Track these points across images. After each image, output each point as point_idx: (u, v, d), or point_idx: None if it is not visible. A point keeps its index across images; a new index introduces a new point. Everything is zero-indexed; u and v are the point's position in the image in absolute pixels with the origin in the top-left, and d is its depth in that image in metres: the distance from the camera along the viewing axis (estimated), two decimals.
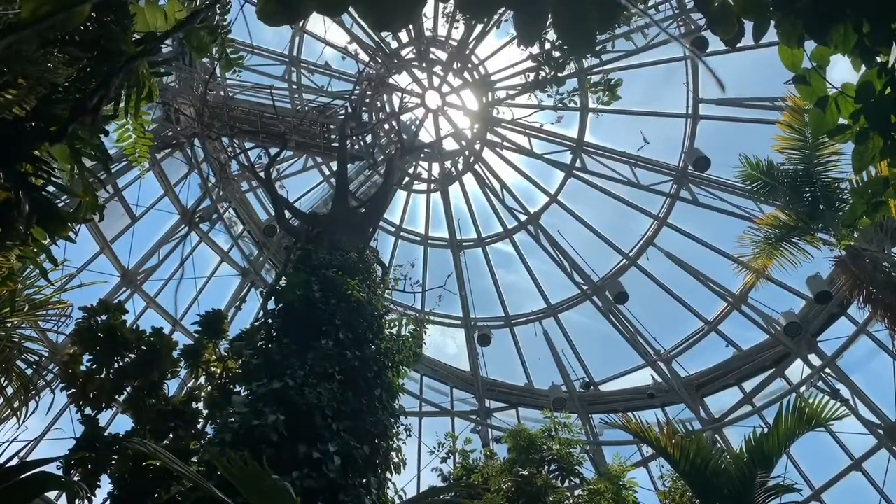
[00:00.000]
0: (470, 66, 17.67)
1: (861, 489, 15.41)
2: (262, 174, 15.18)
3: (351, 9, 2.25)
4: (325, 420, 7.66)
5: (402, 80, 18.75)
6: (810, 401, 9.34)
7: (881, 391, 15.56)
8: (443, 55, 17.74)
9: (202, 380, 9.89)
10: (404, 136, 17.95)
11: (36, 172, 3.10)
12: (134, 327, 9.59)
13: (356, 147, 17.90)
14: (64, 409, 13.43)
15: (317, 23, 17.93)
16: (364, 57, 17.56)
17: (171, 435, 8.79)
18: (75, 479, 7.92)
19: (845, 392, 15.56)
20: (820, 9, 3.00)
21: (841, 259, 12.49)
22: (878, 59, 3.16)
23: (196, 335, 10.18)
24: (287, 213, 13.95)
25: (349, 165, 16.62)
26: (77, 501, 6.74)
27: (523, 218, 19.47)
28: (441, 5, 16.33)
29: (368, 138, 18.44)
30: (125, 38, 3.37)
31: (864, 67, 3.20)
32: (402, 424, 9.69)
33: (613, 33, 11.18)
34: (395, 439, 9.04)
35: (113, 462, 8.20)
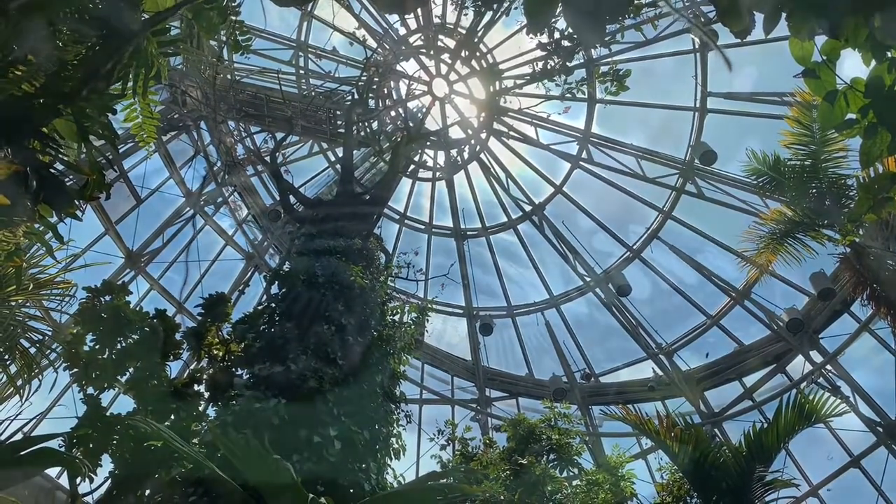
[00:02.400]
0: (478, 54, 17.60)
1: (859, 486, 15.44)
2: (267, 159, 15.18)
3: None
4: (326, 404, 7.70)
5: (409, 67, 18.70)
6: (810, 397, 9.34)
7: (882, 389, 15.58)
8: (451, 43, 17.66)
9: (204, 362, 9.92)
10: (410, 124, 17.92)
11: (43, 149, 3.10)
12: (137, 309, 9.61)
13: (362, 133, 17.88)
14: (67, 389, 13.50)
15: (325, 7, 17.87)
16: (372, 43, 17.50)
17: (172, 416, 8.82)
18: (77, 456, 7.96)
19: (846, 389, 15.57)
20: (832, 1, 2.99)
21: (845, 256, 12.46)
22: (889, 54, 3.14)
23: (199, 318, 10.20)
24: (292, 198, 13.96)
25: (355, 152, 16.60)
26: (78, 478, 6.80)
27: (528, 208, 19.45)
28: None
29: (374, 125, 18.40)
30: (134, 17, 3.37)
31: (874, 62, 3.19)
32: (403, 411, 9.73)
33: (623, 24, 11.12)
34: (395, 425, 9.08)
35: (114, 441, 8.23)
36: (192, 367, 10.69)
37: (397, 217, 20.28)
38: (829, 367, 16.26)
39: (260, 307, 10.42)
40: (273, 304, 9.70)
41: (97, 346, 8.83)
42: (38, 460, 2.78)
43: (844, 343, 16.12)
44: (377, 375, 8.99)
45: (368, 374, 8.83)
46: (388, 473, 8.51)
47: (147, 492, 7.60)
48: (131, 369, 8.94)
